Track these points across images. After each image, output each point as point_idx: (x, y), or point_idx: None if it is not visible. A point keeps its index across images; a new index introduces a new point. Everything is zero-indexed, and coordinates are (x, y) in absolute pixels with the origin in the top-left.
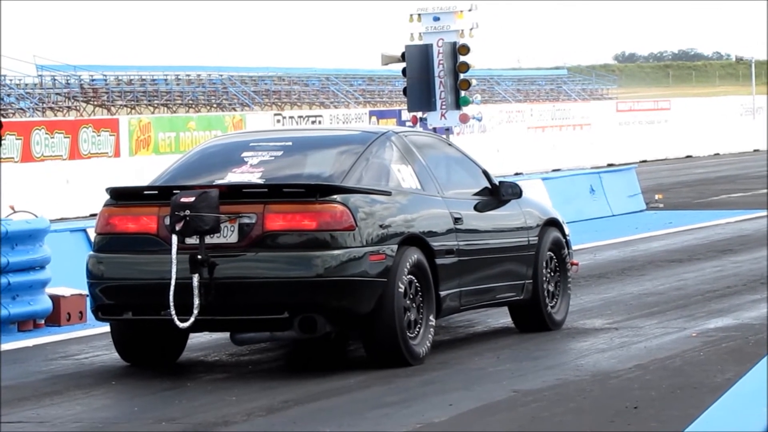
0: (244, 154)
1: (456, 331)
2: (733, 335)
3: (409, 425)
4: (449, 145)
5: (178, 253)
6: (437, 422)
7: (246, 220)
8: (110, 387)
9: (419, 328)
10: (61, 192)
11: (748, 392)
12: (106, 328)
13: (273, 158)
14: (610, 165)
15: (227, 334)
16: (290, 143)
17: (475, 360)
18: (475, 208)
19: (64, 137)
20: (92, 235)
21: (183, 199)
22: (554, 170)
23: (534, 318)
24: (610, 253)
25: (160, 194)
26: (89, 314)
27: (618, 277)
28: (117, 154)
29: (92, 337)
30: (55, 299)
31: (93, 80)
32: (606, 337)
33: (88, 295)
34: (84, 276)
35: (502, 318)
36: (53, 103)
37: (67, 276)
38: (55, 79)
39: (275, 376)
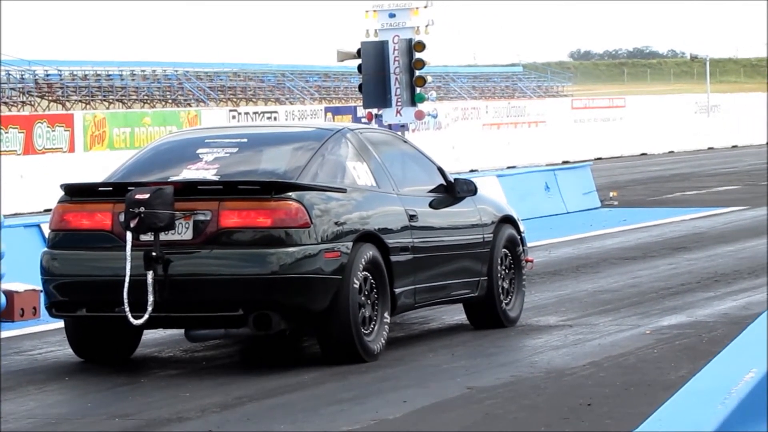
0: (199, 150)
1: (411, 327)
2: (687, 332)
3: (363, 422)
4: (405, 142)
5: (132, 250)
6: (391, 419)
7: (201, 217)
8: (63, 383)
9: (374, 325)
10: (15, 187)
11: (702, 390)
12: (59, 323)
13: (228, 155)
14: (565, 162)
15: (182, 330)
16: (245, 140)
17: (430, 357)
18: (431, 205)
19: (19, 132)
20: (46, 230)
21: (137, 196)
22: (509, 167)
23: (489, 315)
24: (564, 250)
25: (115, 191)
26: (43, 310)
27: (572, 274)
28: (71, 149)
29: (46, 333)
30: (9, 295)
31: (48, 75)
32: (560, 334)
33: (41, 291)
34: (38, 271)
35: (456, 315)
36: (7, 97)
37: (21, 271)
38: (9, 74)
39: (229, 372)
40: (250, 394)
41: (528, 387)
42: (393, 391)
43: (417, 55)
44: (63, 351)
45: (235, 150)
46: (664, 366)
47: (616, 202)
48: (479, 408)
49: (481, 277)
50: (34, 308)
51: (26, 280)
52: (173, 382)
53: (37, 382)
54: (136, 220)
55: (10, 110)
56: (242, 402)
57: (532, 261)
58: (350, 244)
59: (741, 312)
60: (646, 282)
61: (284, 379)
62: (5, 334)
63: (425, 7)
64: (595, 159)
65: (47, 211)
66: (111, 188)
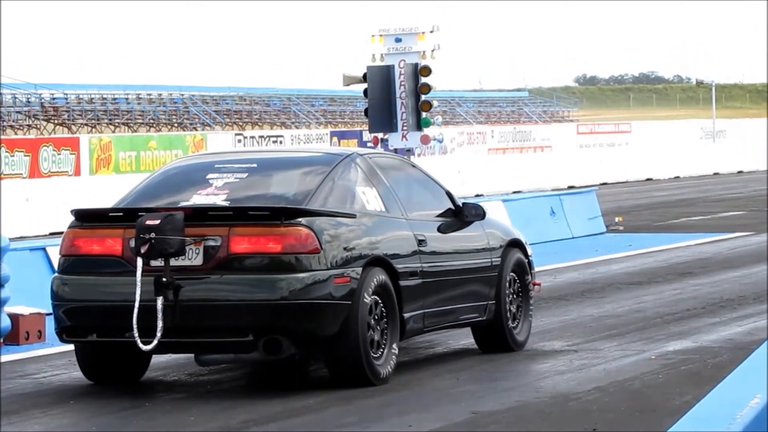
0: (209, 175)
1: (416, 352)
2: (692, 358)
3: None
4: (413, 166)
5: (142, 276)
6: None
7: (211, 243)
8: (68, 406)
9: (383, 349)
10: (20, 210)
11: (707, 415)
12: (64, 347)
13: (238, 180)
14: (570, 187)
15: (187, 354)
16: (255, 165)
17: (435, 381)
18: (439, 229)
19: (24, 155)
20: (52, 253)
21: (148, 222)
22: (515, 192)
23: (496, 339)
24: (570, 275)
25: (125, 216)
26: (48, 333)
27: (578, 299)
28: (77, 172)
29: (51, 356)
30: (14, 318)
31: (54, 99)
32: (565, 359)
33: (47, 314)
34: (43, 295)
35: (462, 339)
36: (13, 121)
37: (27, 295)
38: (15, 98)
39: (234, 397)
40: (254, 418)
41: (533, 412)
42: (398, 415)
43: (423, 79)
44: (68, 374)
45: (244, 175)
46: (669, 391)
47: (621, 228)
48: None
49: (489, 301)
50: (39, 331)
51: (32, 304)
52: (178, 406)
53: (42, 406)
54: (146, 246)
55: (16, 133)
56: (247, 426)
57: (539, 284)
58: (360, 269)
59: (746, 338)
60: (651, 307)
61: (289, 404)
62: (11, 357)
63: (431, 31)
64: (601, 184)
65: (53, 234)
66: (121, 213)
